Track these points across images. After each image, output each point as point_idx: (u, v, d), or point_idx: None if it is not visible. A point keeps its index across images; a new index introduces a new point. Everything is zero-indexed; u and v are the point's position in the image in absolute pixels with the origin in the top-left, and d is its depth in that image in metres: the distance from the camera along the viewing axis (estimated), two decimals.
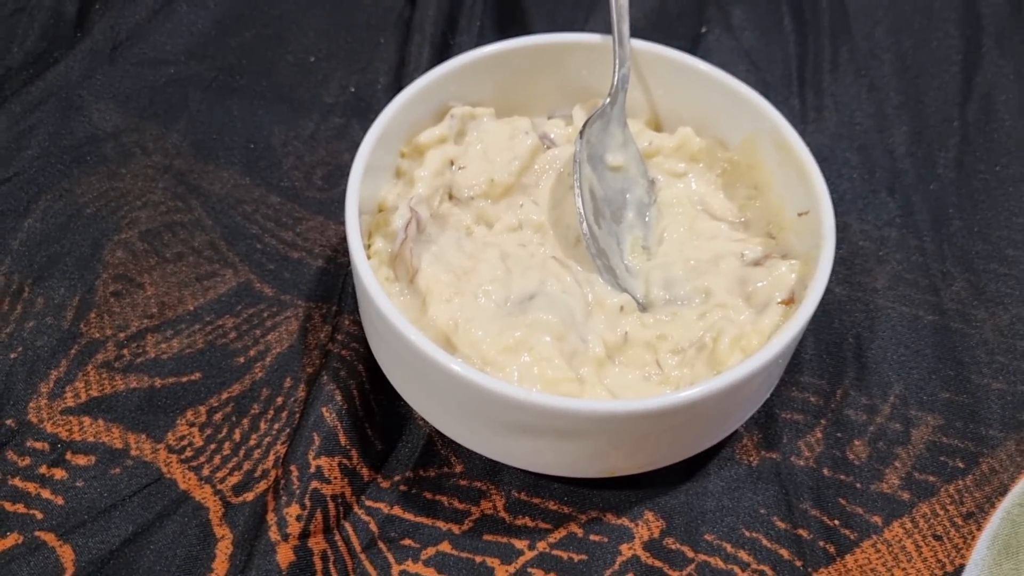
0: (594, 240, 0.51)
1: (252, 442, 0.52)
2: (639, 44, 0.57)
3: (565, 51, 0.57)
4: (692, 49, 0.72)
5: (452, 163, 0.54)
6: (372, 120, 0.53)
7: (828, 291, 0.59)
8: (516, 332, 0.47)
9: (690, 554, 0.49)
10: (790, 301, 0.49)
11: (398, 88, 0.64)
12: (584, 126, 0.53)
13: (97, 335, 0.55)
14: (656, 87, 0.58)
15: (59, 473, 0.50)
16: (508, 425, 0.45)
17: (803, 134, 0.67)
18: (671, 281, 0.52)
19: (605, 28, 0.56)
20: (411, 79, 0.56)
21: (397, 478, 0.51)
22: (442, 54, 0.70)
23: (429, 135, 0.55)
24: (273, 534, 0.47)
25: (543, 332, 0.47)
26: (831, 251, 0.48)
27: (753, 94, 0.54)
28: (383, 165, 0.54)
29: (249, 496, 0.50)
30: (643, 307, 0.51)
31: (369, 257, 0.51)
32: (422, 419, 0.52)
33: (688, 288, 0.51)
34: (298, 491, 0.48)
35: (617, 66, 0.55)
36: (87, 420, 0.52)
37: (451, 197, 0.54)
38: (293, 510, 0.48)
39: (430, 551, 0.48)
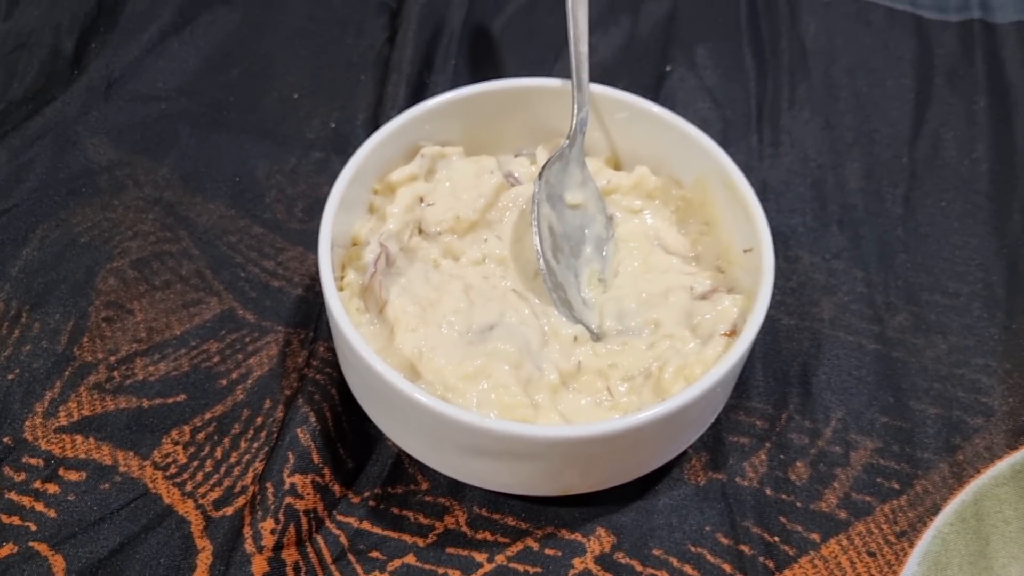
0: (551, 274, 0.54)
1: (232, 460, 0.54)
2: (599, 89, 0.59)
3: (530, 95, 0.60)
4: (657, 86, 0.75)
5: (422, 200, 0.57)
6: (351, 155, 0.55)
7: (777, 320, 0.61)
8: (476, 361, 0.49)
9: (639, 568, 0.51)
10: (732, 333, 0.51)
11: (376, 124, 0.66)
12: (543, 167, 0.55)
13: (89, 358, 0.58)
14: (615, 129, 0.61)
15: (52, 488, 0.52)
16: (468, 448, 0.48)
17: (760, 169, 0.70)
18: (623, 313, 0.54)
19: None
20: (388, 116, 0.58)
21: (366, 494, 0.53)
22: (418, 92, 0.72)
23: (400, 173, 0.57)
24: (249, 546, 0.50)
25: (501, 361, 0.49)
26: (769, 288, 0.50)
27: (704, 137, 0.57)
28: (357, 201, 0.56)
29: (229, 511, 0.52)
30: (596, 337, 0.53)
31: (342, 289, 0.54)
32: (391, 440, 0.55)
33: (639, 320, 0.54)
34: (273, 506, 0.51)
35: (576, 110, 0.57)
36: (79, 438, 0.54)
37: (420, 231, 0.57)
38: (267, 524, 0.50)
39: (396, 563, 0.51)
